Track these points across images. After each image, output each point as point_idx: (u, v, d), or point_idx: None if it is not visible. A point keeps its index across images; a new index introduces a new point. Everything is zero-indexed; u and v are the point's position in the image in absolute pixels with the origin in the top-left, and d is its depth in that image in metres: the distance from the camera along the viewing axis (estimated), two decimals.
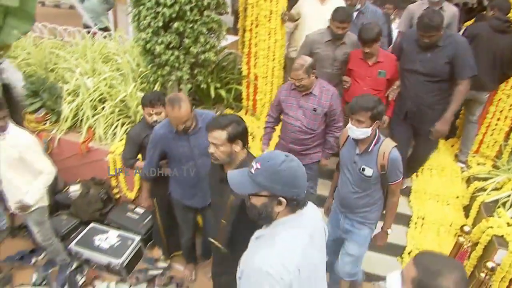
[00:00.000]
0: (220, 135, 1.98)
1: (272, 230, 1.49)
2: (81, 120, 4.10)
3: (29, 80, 4.29)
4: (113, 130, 3.96)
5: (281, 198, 1.42)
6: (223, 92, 4.34)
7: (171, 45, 3.66)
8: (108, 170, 3.83)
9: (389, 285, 1.39)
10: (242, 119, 2.10)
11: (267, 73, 4.33)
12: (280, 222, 1.48)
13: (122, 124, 3.99)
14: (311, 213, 1.57)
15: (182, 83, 4.04)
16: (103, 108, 4.05)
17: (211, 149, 2.03)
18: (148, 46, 3.69)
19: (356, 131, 2.31)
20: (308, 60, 2.84)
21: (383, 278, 3.11)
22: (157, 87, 4.04)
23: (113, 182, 3.92)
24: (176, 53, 3.70)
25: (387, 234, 2.65)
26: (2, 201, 3.15)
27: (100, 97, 4.13)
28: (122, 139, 3.82)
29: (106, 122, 4.00)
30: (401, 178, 2.40)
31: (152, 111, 2.84)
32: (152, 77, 3.99)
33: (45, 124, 4.15)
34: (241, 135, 2.04)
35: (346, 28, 3.31)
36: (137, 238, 3.46)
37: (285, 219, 1.48)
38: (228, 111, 4.53)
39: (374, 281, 3.31)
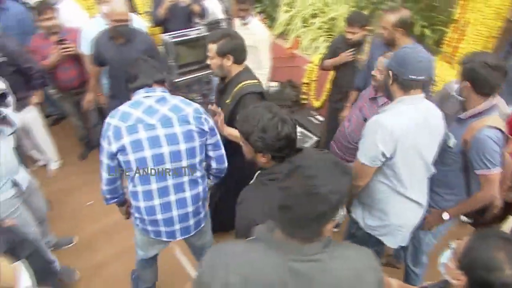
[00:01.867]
0: (211, 47, 2.14)
1: (393, 105, 1.82)
2: (291, 29, 4.71)
3: None
4: (317, 44, 4.47)
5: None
6: (427, 31, 4.33)
7: None
8: (304, 77, 4.43)
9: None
10: (238, 35, 2.20)
11: (480, 21, 4.08)
12: (398, 100, 1.79)
13: (325, 41, 4.45)
14: (430, 106, 1.85)
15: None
16: (312, 22, 4.55)
17: (208, 61, 2.22)
18: None
19: None
20: None
21: None
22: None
23: (304, 89, 4.54)
24: None
25: (442, 218, 2.07)
26: None
27: (313, 12, 4.62)
28: (321, 53, 4.31)
29: (312, 36, 4.52)
30: (492, 171, 1.82)
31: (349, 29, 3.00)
32: (364, 3, 4.24)
33: None
34: (232, 51, 2.13)
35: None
36: (315, 138, 4.07)
37: (402, 98, 1.76)
38: None
39: None
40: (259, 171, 1.54)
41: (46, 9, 3.02)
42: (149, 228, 1.92)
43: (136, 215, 1.92)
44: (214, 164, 2.02)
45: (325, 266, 1.00)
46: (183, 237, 1.99)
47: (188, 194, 1.90)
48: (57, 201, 3.17)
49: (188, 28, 3.49)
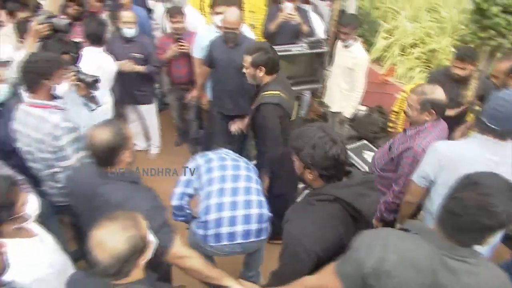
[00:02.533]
0: (247, 59, 2.44)
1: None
2: (388, 56, 4.71)
3: (358, 11, 5.13)
4: (412, 73, 4.42)
5: None
6: None
7: (508, 9, 3.63)
8: (394, 105, 4.40)
9: None
10: (271, 50, 2.44)
11: None
12: (473, 135, 1.93)
13: (422, 71, 4.38)
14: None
15: (498, 52, 4.00)
16: (411, 52, 4.51)
17: (243, 70, 2.50)
18: (484, 5, 3.77)
19: None
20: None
21: None
22: None
23: (393, 117, 4.50)
24: (510, 18, 3.65)
25: None
26: None
27: (413, 41, 4.58)
28: (416, 83, 4.25)
29: (408, 65, 4.48)
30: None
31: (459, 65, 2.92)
32: (470, 37, 4.10)
33: None
34: (264, 63, 2.41)
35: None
36: None
37: (476, 135, 1.88)
38: None
39: None
40: (307, 191, 1.64)
41: (177, 13, 3.50)
42: (210, 232, 2.07)
43: (200, 231, 2.11)
44: None
45: (473, 269, 1.14)
46: (243, 241, 2.11)
47: (254, 198, 2.15)
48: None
49: (292, 44, 3.70)
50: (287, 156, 2.47)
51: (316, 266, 1.50)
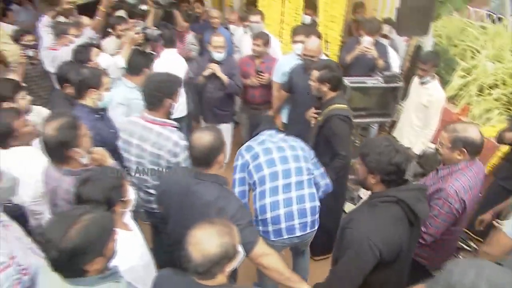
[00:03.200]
0: (314, 73, 2.68)
1: None
2: (463, 95, 4.59)
3: (434, 48, 5.08)
4: (489, 115, 4.26)
5: None
6: None
7: None
8: None
9: None
10: (336, 68, 2.68)
11: None
12: None
13: (501, 114, 4.21)
14: None
15: None
16: (490, 92, 4.36)
17: (309, 82, 2.76)
18: None
19: None
20: None
21: None
22: None
23: None
24: None
25: None
26: None
27: (492, 82, 4.43)
28: (494, 126, 4.08)
29: (486, 106, 4.33)
30: None
31: None
32: None
33: None
34: (329, 79, 2.64)
35: None
36: None
37: None
38: None
39: None
40: (370, 194, 1.81)
41: (261, 38, 3.78)
42: (270, 228, 2.27)
43: (260, 228, 2.31)
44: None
45: None
46: (301, 233, 2.31)
47: (306, 191, 2.33)
48: None
49: (367, 76, 3.78)
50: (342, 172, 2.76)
51: (375, 267, 1.65)
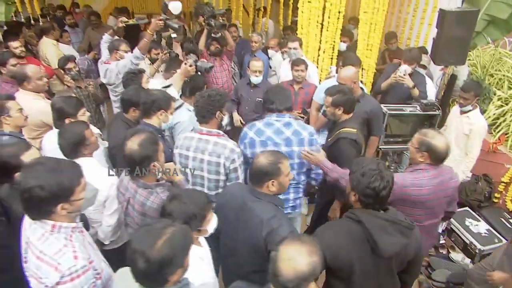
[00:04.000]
0: (328, 99, 2.86)
1: None
2: (500, 124, 4.57)
3: (470, 77, 5.10)
4: None
5: None
6: None
7: None
8: (503, 176, 4.22)
9: None
10: (349, 92, 2.85)
11: None
12: None
13: None
14: None
15: None
16: None
17: (324, 107, 2.96)
18: None
19: None
20: None
21: None
22: None
23: (501, 188, 4.30)
24: None
25: None
26: None
27: None
28: None
29: None
30: None
31: None
32: None
33: None
34: (342, 103, 2.81)
35: None
36: (504, 241, 3.79)
37: None
38: None
39: None
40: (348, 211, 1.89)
41: (301, 64, 3.93)
42: None
43: None
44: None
45: None
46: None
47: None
48: None
49: (403, 104, 3.85)
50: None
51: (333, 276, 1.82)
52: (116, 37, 4.31)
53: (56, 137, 2.30)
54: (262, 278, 1.53)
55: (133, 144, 1.91)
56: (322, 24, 4.42)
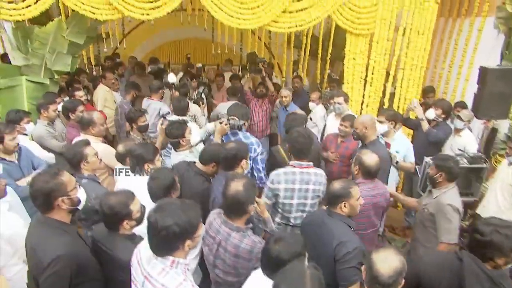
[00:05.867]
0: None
1: None
2: None
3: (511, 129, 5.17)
4: None
5: None
6: None
7: None
8: None
9: None
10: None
11: None
12: None
13: None
14: None
15: None
16: None
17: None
18: None
19: None
20: None
21: None
22: None
23: None
24: None
25: None
26: None
27: None
28: None
29: None
30: None
31: None
32: None
33: None
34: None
35: None
36: None
37: None
38: None
39: None
40: None
41: (348, 120, 4.08)
42: None
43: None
44: None
45: None
46: None
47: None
48: None
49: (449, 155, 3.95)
50: None
51: None
52: None
53: (132, 184, 2.55)
54: None
55: (237, 186, 2.11)
56: (365, 80, 4.71)
